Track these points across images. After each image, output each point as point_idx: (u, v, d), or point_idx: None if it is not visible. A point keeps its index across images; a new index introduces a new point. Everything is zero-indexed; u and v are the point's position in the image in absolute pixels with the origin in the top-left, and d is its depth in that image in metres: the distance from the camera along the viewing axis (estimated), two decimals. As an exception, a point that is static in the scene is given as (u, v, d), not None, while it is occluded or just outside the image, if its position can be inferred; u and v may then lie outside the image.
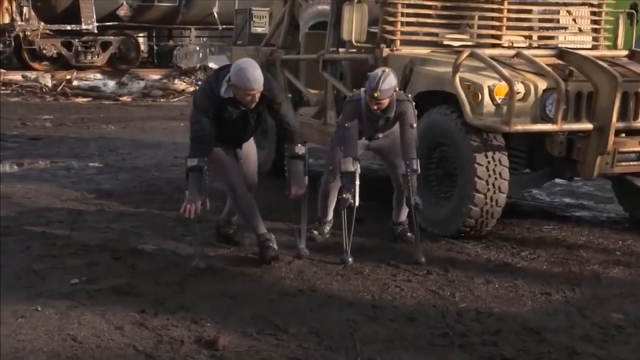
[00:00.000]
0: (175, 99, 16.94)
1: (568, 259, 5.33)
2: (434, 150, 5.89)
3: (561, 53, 5.92)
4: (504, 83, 5.44)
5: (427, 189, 5.88)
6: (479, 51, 5.69)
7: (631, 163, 5.76)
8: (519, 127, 5.48)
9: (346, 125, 5.26)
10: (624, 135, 5.72)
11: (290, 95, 7.64)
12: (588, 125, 5.56)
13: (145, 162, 8.98)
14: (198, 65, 20.20)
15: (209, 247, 5.48)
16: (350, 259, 5.12)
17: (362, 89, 5.29)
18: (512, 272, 5.05)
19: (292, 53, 7.75)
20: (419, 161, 5.26)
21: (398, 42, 6.31)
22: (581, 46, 6.81)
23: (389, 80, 5.10)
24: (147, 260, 5.14)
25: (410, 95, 5.41)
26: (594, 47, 6.84)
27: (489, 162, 5.53)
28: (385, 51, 6.26)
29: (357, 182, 5.19)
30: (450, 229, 5.73)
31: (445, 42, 6.55)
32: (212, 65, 19.97)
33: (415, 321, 4.14)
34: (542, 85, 5.56)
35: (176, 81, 18.81)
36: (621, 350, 3.77)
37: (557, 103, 5.45)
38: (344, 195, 5.17)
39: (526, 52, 5.81)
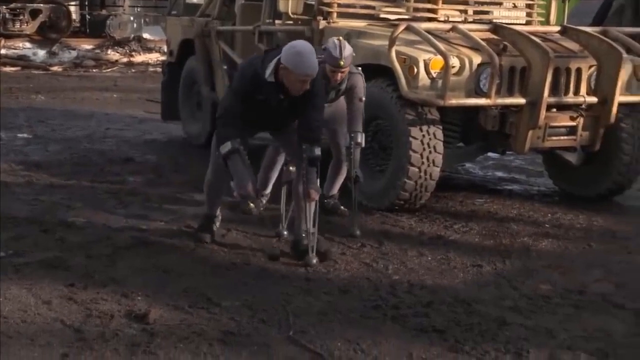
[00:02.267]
0: (109, 70, 16.59)
1: (499, 232, 5.41)
2: (370, 123, 5.87)
3: (496, 28, 5.95)
4: (439, 57, 5.46)
5: (362, 162, 5.87)
6: (415, 25, 5.69)
7: (561, 137, 5.86)
8: (454, 101, 5.51)
9: None
10: (555, 110, 5.80)
11: (225, 67, 7.55)
12: (521, 100, 5.63)
13: (76, 134, 8.77)
14: (132, 35, 19.78)
15: (142, 219, 5.40)
16: (285, 232, 5.09)
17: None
18: (445, 244, 5.10)
19: (228, 24, 7.63)
20: (364, 135, 5.24)
21: (335, 15, 6.27)
22: (515, 21, 6.87)
23: (348, 47, 5.03)
24: (77, 233, 5.03)
25: (360, 68, 5.34)
26: (528, 23, 6.91)
27: (423, 135, 5.56)
28: (322, 23, 6.22)
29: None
30: (384, 202, 5.76)
31: (382, 15, 6.54)
32: (147, 36, 19.62)
33: (349, 294, 4.14)
34: (477, 59, 5.60)
35: (109, 52, 18.40)
36: (548, 320, 3.84)
37: (491, 77, 5.50)
38: (290, 168, 5.10)
39: (461, 27, 5.82)
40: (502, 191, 6.76)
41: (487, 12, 6.97)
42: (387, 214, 5.68)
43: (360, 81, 5.26)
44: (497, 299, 4.14)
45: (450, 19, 6.51)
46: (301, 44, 4.43)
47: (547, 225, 5.61)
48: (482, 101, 5.57)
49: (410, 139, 5.53)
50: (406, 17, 6.44)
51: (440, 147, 5.63)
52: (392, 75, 5.58)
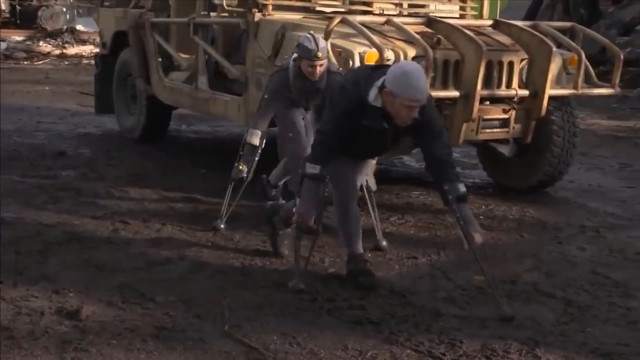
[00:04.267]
0: (40, 62, 16.25)
1: (434, 224, 5.47)
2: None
3: (430, 21, 6.00)
4: (374, 50, 5.47)
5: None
6: (350, 18, 5.70)
7: (495, 130, 5.94)
8: (389, 94, 5.53)
9: (265, 96, 5.06)
10: (488, 103, 5.88)
11: (160, 60, 7.46)
12: (455, 93, 5.68)
13: (6, 127, 8.56)
14: (65, 27, 19.41)
15: (74, 215, 5.30)
16: (222, 226, 5.05)
17: (291, 59, 4.97)
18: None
19: (162, 16, 7.54)
20: None
21: (270, 7, 6.23)
22: (449, 15, 6.94)
23: (322, 40, 4.92)
24: (7, 229, 4.91)
25: (341, 69, 5.15)
26: (462, 17, 6.99)
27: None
28: (257, 16, 6.17)
29: (257, 159, 5.08)
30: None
31: (318, 8, 6.53)
32: (80, 27, 19.26)
33: (285, 287, 4.13)
34: (411, 52, 5.63)
35: (41, 43, 18.04)
36: (481, 310, 3.89)
37: (425, 71, 5.52)
38: (240, 167, 5.03)
39: (396, 20, 5.85)
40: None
41: (422, 6, 7.02)
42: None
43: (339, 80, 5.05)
44: (431, 291, 4.18)
45: (385, 12, 6.54)
46: (409, 64, 3.95)
47: (481, 217, 5.68)
48: (416, 94, 5.59)
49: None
50: (342, 10, 6.45)
51: (376, 140, 5.64)
52: (328, 68, 5.57)
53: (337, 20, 5.59)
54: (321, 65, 4.87)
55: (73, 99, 10.92)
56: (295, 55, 4.95)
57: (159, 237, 4.90)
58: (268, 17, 6.18)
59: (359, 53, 5.51)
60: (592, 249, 5.01)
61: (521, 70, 5.94)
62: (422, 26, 5.94)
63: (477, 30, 6.05)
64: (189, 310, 3.77)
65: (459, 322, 3.74)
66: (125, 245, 4.73)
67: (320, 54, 4.82)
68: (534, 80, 5.89)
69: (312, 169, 4.00)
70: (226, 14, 6.52)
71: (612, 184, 6.91)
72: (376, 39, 5.48)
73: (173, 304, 3.83)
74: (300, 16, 6.28)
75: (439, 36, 5.76)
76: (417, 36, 5.61)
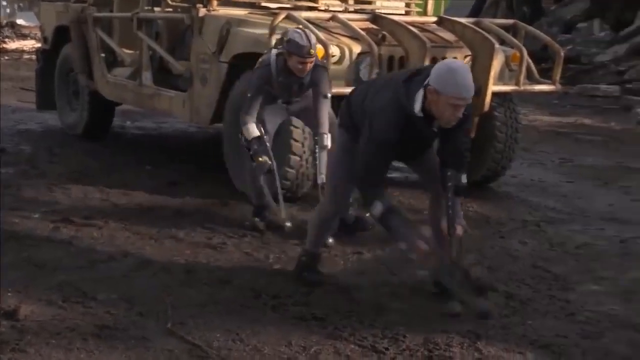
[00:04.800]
0: (-20, 57, 15.89)
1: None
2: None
3: (375, 18, 6.02)
4: (319, 46, 5.47)
5: (244, 152, 5.86)
6: (296, 14, 5.69)
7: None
8: (335, 90, 5.52)
9: (249, 94, 4.85)
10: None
11: (103, 55, 7.35)
12: (399, 89, 5.71)
13: (-56, 124, 8.35)
14: (5, 21, 19.02)
15: (14, 212, 5.19)
16: (288, 224, 4.84)
17: (272, 54, 4.85)
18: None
19: (105, 10, 7.42)
20: (330, 136, 4.70)
21: (215, 2, 6.18)
22: (394, 12, 6.97)
23: (312, 35, 4.81)
24: (-57, 228, 4.80)
25: (326, 62, 5.07)
26: (406, 14, 7.03)
27: (303, 124, 5.57)
28: (202, 11, 6.12)
29: (269, 144, 4.88)
30: (266, 191, 5.73)
31: (263, 4, 6.50)
32: (21, 21, 18.89)
33: (229, 284, 4.11)
34: (357, 49, 5.65)
35: (-19, 38, 17.65)
36: (425, 304, 3.92)
37: (370, 67, 5.56)
38: (261, 158, 4.75)
39: (341, 16, 5.86)
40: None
41: (368, 2, 7.04)
42: (268, 204, 5.66)
43: (324, 75, 4.90)
44: (376, 286, 4.20)
45: (331, 9, 6.54)
46: (455, 62, 3.76)
47: (425, 212, 5.70)
48: (361, 90, 5.62)
49: (292, 127, 5.53)
50: (287, 5, 6.43)
51: (321, 136, 5.64)
52: (273, 64, 5.55)
53: (282, 16, 5.57)
54: (311, 62, 4.77)
55: (13, 95, 10.70)
56: (275, 50, 4.83)
57: (102, 235, 4.83)
58: (213, 13, 6.14)
59: (304, 49, 5.51)
60: (533, 243, 5.09)
61: (465, 66, 5.99)
62: (367, 22, 5.97)
63: (422, 27, 6.09)
64: (132, 308, 3.72)
65: (402, 317, 3.76)
66: (67, 244, 4.65)
67: (312, 51, 4.71)
68: (477, 76, 5.89)
69: (375, 209, 3.69)
70: (170, 9, 6.45)
71: (553, 179, 7.03)
72: (321, 35, 5.48)
73: (115, 302, 3.78)
74: (246, 12, 6.25)
75: (384, 32, 5.80)
76: (362, 32, 5.63)
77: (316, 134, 4.86)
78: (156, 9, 6.68)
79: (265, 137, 4.85)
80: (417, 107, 3.60)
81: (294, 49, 4.69)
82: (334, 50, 5.53)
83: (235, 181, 5.89)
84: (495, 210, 5.91)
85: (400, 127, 3.61)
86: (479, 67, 5.91)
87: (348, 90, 5.58)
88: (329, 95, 4.89)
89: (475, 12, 14.17)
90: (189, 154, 7.39)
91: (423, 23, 6.27)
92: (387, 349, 3.40)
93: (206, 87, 6.09)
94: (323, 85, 4.87)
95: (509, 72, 6.23)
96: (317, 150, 4.81)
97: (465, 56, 5.95)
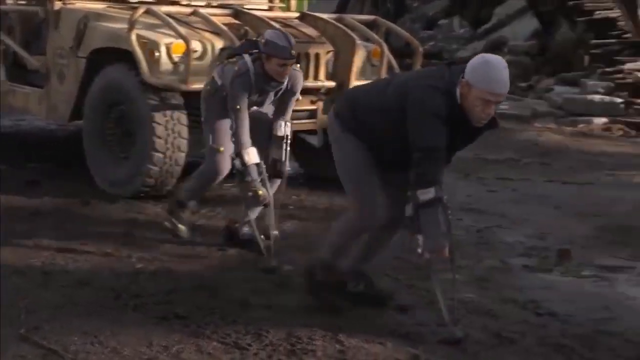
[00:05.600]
0: None
1: (245, 215, 5.47)
2: (112, 108, 5.72)
3: (237, 13, 6.01)
4: (181, 41, 5.41)
5: (105, 149, 5.74)
6: (155, 8, 5.59)
7: (303, 121, 6.02)
8: (197, 86, 5.46)
9: (238, 107, 4.43)
10: (296, 94, 5.95)
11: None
12: (262, 84, 5.71)
13: None
14: None
15: None
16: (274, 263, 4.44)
17: (247, 59, 4.48)
18: (191, 230, 5.06)
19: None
20: (290, 125, 4.64)
21: (71, -6, 6.01)
22: (257, 7, 6.96)
23: (290, 35, 4.53)
24: None
25: (298, 66, 4.79)
26: (270, 9, 7.04)
27: (167, 120, 5.49)
28: (57, 4, 5.92)
29: (266, 174, 4.51)
30: (129, 189, 5.62)
31: (123, -3, 6.36)
32: None
33: (89, 285, 4.00)
34: (219, 44, 5.61)
35: None
36: (288, 299, 3.95)
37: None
38: (260, 191, 4.38)
39: (203, 11, 5.81)
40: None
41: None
42: (132, 202, 5.55)
43: (301, 79, 4.68)
44: (241, 282, 4.19)
45: (193, 4, 6.46)
46: (493, 56, 3.49)
47: (291, 207, 5.76)
48: (225, 85, 5.58)
49: (154, 124, 5.45)
50: (149, 0, 6.31)
51: (185, 132, 5.59)
52: (133, 60, 5.44)
53: (141, 10, 5.48)
54: (292, 64, 4.49)
55: None
56: (249, 56, 4.48)
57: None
58: (69, 6, 5.96)
59: (165, 44, 5.45)
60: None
61: (327, 62, 6.07)
62: (230, 18, 5.94)
63: (284, 23, 6.11)
64: (-17, 314, 3.57)
65: (266, 312, 3.77)
66: None
67: (294, 52, 4.43)
68: (340, 72, 6.04)
69: (426, 194, 3.40)
70: (24, 2, 6.21)
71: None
72: (182, 29, 5.43)
73: (-36, 310, 3.61)
74: (104, 5, 6.10)
75: (246, 28, 5.79)
76: (224, 27, 5.61)
77: (280, 119, 4.64)
78: (9, 1, 6.42)
79: (263, 165, 4.48)
80: (459, 96, 3.38)
81: (273, 51, 4.37)
82: (196, 46, 5.48)
83: (96, 178, 5.75)
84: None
85: (449, 105, 3.38)
86: (341, 62, 6.01)
87: (211, 85, 5.57)
88: (300, 98, 4.78)
89: (341, 8, 14.35)
90: (48, 152, 7.14)
91: (286, 19, 6.31)
92: (250, 344, 3.40)
93: (64, 84, 5.90)
94: (298, 87, 4.67)
95: (371, 67, 6.34)
96: (285, 139, 4.61)
97: (328, 52, 6.03)
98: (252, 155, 4.40)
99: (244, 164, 4.39)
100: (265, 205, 4.47)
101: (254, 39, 4.76)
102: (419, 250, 3.47)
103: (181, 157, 5.59)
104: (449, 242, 3.50)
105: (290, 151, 6.66)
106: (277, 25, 5.75)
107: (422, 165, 3.41)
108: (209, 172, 4.80)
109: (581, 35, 11.78)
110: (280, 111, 4.71)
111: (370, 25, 6.61)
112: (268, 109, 4.76)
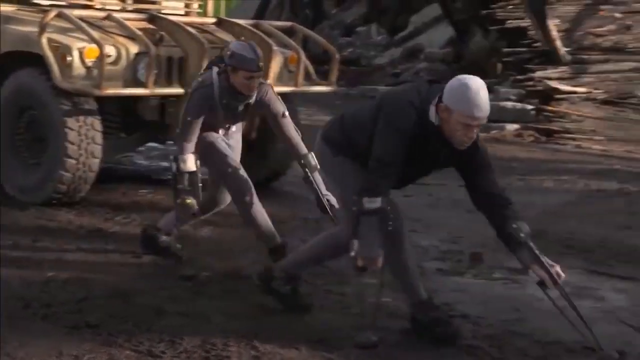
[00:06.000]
0: None
1: (160, 222, 5.41)
2: (22, 114, 5.61)
3: (152, 18, 5.95)
4: (94, 45, 5.33)
5: (15, 155, 5.61)
6: (67, 11, 5.49)
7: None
8: (111, 91, 5.42)
9: (189, 119, 4.24)
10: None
11: None
12: (179, 90, 5.68)
13: None
14: None
15: None
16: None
17: (214, 72, 4.27)
18: (105, 237, 5.00)
19: None
20: (313, 155, 4.22)
21: (-21, -3, 5.84)
22: (174, 12, 6.90)
23: (257, 47, 4.29)
24: None
25: (269, 81, 4.56)
26: (186, 14, 6.98)
27: (80, 126, 5.40)
28: (-40, 6, 5.76)
29: (200, 184, 4.28)
30: (41, 196, 5.51)
31: (34, 0, 6.21)
32: None
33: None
34: (134, 49, 5.56)
35: None
36: (205, 305, 3.93)
37: (148, 67, 5.49)
38: (189, 201, 4.20)
39: (117, 16, 5.74)
40: (166, 181, 6.74)
41: (146, 2, 6.91)
42: (43, 209, 5.44)
43: (272, 92, 4.40)
44: (156, 289, 4.14)
45: (107, 8, 6.36)
46: (472, 77, 3.39)
47: (209, 213, 5.72)
48: (139, 91, 5.55)
49: (66, 130, 5.36)
50: (60, 3, 6.18)
51: (98, 138, 5.51)
52: (45, 64, 5.34)
53: (53, 13, 5.39)
54: (259, 76, 4.30)
55: None
56: (216, 68, 4.27)
57: None
58: (-24, 8, 5.78)
59: (78, 48, 5.37)
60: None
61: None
62: (145, 22, 5.88)
63: (201, 28, 6.10)
64: None
65: (181, 319, 3.74)
66: None
67: (261, 64, 4.24)
68: (257, 77, 6.02)
69: (371, 203, 3.39)
70: None
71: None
72: (95, 34, 5.35)
73: None
74: (14, 8, 5.94)
75: (162, 33, 5.74)
76: (139, 32, 5.55)
77: (300, 158, 4.34)
78: None
79: (199, 175, 4.27)
80: (433, 113, 3.37)
81: (239, 63, 4.15)
82: (110, 50, 5.41)
83: (5, 185, 5.61)
84: (278, 208, 5.98)
85: (415, 124, 3.37)
86: (258, 68, 6.00)
87: (125, 91, 5.51)
88: (287, 112, 4.42)
89: (259, 14, 14.37)
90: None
91: (202, 24, 6.29)
92: (163, 352, 3.36)
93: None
94: (275, 104, 4.38)
95: (288, 73, 6.36)
96: (309, 175, 4.29)
97: (245, 57, 6.01)
98: (188, 163, 4.23)
99: (178, 169, 4.24)
100: (194, 216, 4.32)
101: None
102: (352, 254, 3.49)
103: (95, 163, 5.51)
104: (383, 253, 3.50)
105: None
106: (193, 31, 5.72)
107: (374, 175, 3.45)
108: (240, 200, 4.52)
109: (494, 43, 12.09)
110: (292, 142, 4.40)
111: (288, 31, 6.63)
112: (237, 132, 4.57)
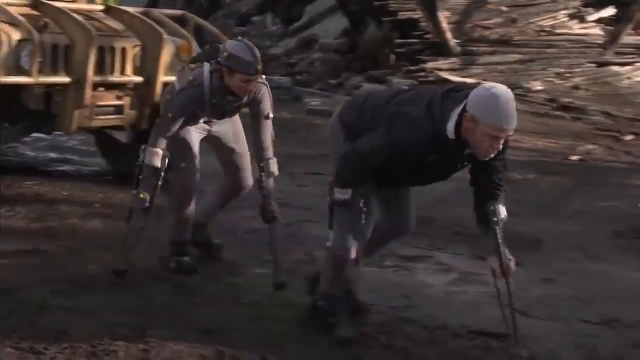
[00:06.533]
0: None
1: (47, 214, 5.27)
2: None
3: (36, 4, 5.74)
4: (-26, 33, 5.11)
5: None
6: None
7: (109, 117, 5.89)
8: (-7, 79, 5.21)
9: (170, 115, 4.07)
10: (102, 89, 5.80)
11: None
12: (65, 79, 5.53)
13: None
14: None
15: None
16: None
17: (205, 70, 4.06)
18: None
19: None
20: (276, 160, 4.24)
21: None
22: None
23: (255, 48, 4.04)
24: None
25: (264, 77, 4.23)
26: (73, 1, 6.78)
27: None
28: None
29: (160, 183, 4.07)
30: None
31: None
32: None
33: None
34: (16, 36, 5.35)
35: None
36: (89, 300, 3.83)
37: (31, 55, 5.31)
38: (142, 195, 4.02)
39: (-1, 2, 5.52)
40: (53, 173, 6.60)
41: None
42: None
43: (266, 93, 4.21)
44: (40, 284, 4.02)
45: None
46: (499, 87, 3.23)
47: (97, 205, 5.61)
48: (23, 79, 5.37)
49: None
50: None
51: (-20, 128, 5.30)
52: None
53: None
54: (256, 80, 4.08)
55: None
56: (208, 66, 4.07)
57: None
58: None
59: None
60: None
61: (135, 56, 5.94)
62: (28, 9, 5.68)
63: (89, 15, 5.94)
64: None
65: (66, 314, 3.64)
66: None
67: (260, 67, 3.99)
68: (147, 67, 5.94)
69: (343, 194, 3.38)
70: None
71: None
72: (-25, 20, 5.13)
73: None
74: None
75: (47, 19, 5.56)
76: (22, 19, 5.36)
77: (262, 161, 4.22)
78: None
79: (161, 174, 4.06)
80: (451, 127, 3.21)
81: (237, 66, 3.94)
82: (-8, 37, 5.20)
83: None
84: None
85: (433, 144, 3.24)
86: (149, 57, 5.92)
87: (8, 79, 5.31)
88: (272, 115, 4.26)
89: (153, 2, 14.12)
90: None
91: (90, 11, 6.13)
92: (47, 348, 3.26)
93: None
94: (265, 104, 4.21)
95: (180, 62, 6.26)
96: (263, 179, 4.19)
97: (135, 46, 5.91)
98: (153, 157, 4.03)
99: (144, 161, 4.05)
100: (145, 210, 4.10)
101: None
102: (328, 244, 3.51)
103: (-23, 155, 5.29)
104: (361, 245, 3.54)
105: (98, 148, 6.51)
106: (79, 18, 5.56)
107: (348, 167, 3.42)
108: (178, 195, 4.37)
109: (387, 35, 12.27)
110: (262, 144, 4.25)
111: (179, 20, 6.54)
112: (224, 125, 4.40)
